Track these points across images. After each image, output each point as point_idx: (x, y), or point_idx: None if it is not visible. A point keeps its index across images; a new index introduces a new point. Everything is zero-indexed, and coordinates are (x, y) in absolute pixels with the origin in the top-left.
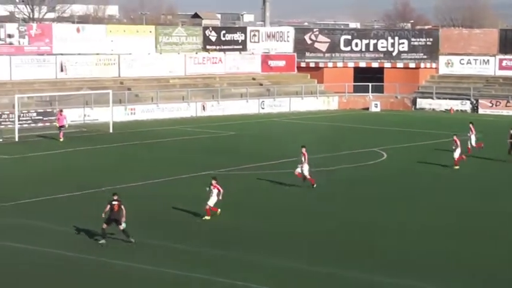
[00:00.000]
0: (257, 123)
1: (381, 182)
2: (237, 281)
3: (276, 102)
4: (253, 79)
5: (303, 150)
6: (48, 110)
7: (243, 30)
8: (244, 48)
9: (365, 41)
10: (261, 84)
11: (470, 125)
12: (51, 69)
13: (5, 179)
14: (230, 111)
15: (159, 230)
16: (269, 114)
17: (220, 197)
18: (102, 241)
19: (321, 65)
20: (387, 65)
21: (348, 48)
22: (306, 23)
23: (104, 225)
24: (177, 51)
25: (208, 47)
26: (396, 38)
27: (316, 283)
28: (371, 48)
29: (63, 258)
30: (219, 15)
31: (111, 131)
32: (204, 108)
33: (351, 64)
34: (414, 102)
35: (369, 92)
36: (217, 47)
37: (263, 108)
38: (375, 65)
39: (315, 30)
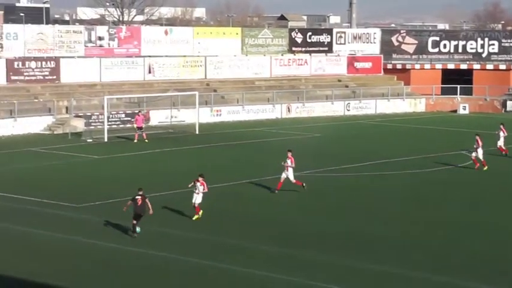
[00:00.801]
0: (342, 125)
1: (473, 184)
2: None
3: (362, 104)
4: (339, 81)
5: (289, 154)
6: (136, 111)
7: (329, 31)
8: (330, 50)
9: (454, 42)
10: (347, 86)
11: (501, 126)
12: (140, 71)
13: (94, 179)
14: (315, 113)
15: (248, 231)
16: (355, 116)
17: (200, 200)
18: (134, 235)
19: (408, 66)
20: (476, 66)
21: (436, 50)
22: (393, 25)
23: (134, 221)
24: (263, 53)
25: (294, 48)
26: (486, 39)
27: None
28: (460, 50)
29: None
30: (305, 17)
31: (197, 132)
32: (289, 110)
33: (439, 66)
34: (504, 104)
35: (457, 94)
36: (303, 49)
37: (348, 110)
38: (463, 66)
39: (402, 31)
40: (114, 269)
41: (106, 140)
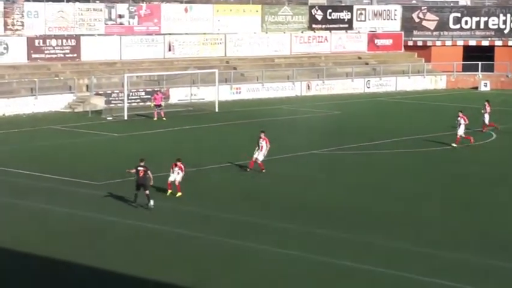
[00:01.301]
0: (362, 102)
1: (489, 162)
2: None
3: (382, 82)
4: (359, 58)
5: (262, 135)
6: (156, 89)
7: (349, 8)
8: (350, 27)
9: (475, 19)
10: (367, 63)
11: (486, 103)
12: (160, 49)
13: (114, 157)
14: (335, 90)
15: (267, 210)
16: (375, 94)
17: (180, 179)
18: (133, 204)
19: (428, 43)
20: (498, 43)
21: (457, 26)
22: (413, 1)
23: (136, 191)
24: (283, 31)
25: (314, 26)
26: (508, 15)
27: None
28: (481, 26)
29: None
30: None
31: (216, 110)
32: (309, 88)
33: (460, 42)
34: None
35: (478, 71)
36: (323, 26)
37: (369, 88)
38: (485, 43)
39: (423, 8)
40: (133, 246)
41: (126, 118)
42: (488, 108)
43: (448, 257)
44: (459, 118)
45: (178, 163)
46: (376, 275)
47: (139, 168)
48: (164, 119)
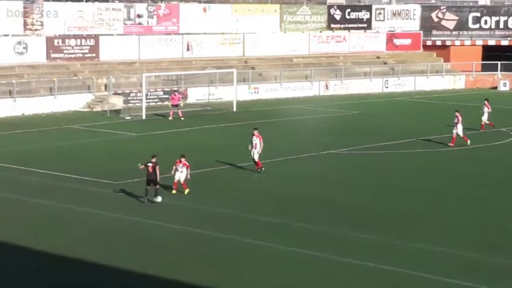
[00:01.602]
0: (381, 102)
1: (507, 162)
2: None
3: (401, 81)
4: (378, 58)
5: (255, 132)
6: (174, 89)
7: (368, 8)
8: (369, 27)
9: (495, 18)
10: (386, 63)
11: (486, 102)
12: (178, 49)
13: (132, 156)
14: (353, 90)
15: (286, 210)
16: (393, 93)
17: (189, 176)
18: (142, 199)
19: (447, 43)
20: None
21: (477, 26)
22: (433, 1)
23: (147, 186)
24: (301, 30)
25: (332, 25)
26: None
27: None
28: (501, 26)
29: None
30: None
31: (234, 109)
32: (327, 87)
33: (479, 42)
34: None
35: (497, 71)
36: (342, 26)
37: (387, 87)
38: (504, 43)
39: (442, 7)
40: (151, 245)
41: (144, 117)
42: (487, 108)
43: (467, 257)
44: (457, 117)
45: (183, 159)
46: (394, 275)
47: (148, 164)
48: (182, 118)
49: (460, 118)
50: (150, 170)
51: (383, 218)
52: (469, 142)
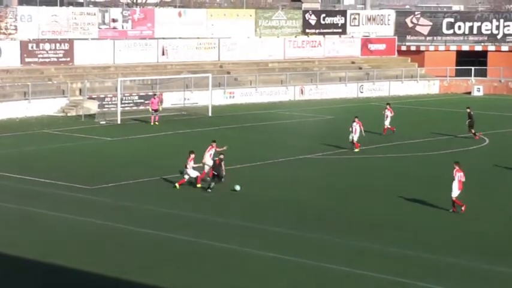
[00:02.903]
0: (355, 107)
1: (483, 167)
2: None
3: (375, 86)
4: (353, 63)
5: (213, 144)
6: (149, 94)
7: (343, 13)
8: (344, 32)
9: (468, 24)
10: (360, 68)
11: (388, 106)
12: (153, 53)
13: (107, 161)
14: (328, 95)
15: (261, 214)
16: (368, 98)
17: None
18: (210, 186)
19: (422, 48)
20: (491, 48)
21: (451, 31)
22: (407, 6)
23: (212, 179)
24: (277, 35)
25: (307, 30)
26: (501, 21)
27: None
28: (474, 31)
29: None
30: None
31: (210, 114)
32: (302, 92)
33: (453, 47)
34: None
35: (471, 76)
36: (317, 31)
37: (362, 92)
38: (478, 48)
39: (416, 13)
40: (126, 250)
41: (119, 122)
42: (388, 112)
43: (444, 262)
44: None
45: (192, 155)
46: (366, 279)
47: (216, 158)
48: (157, 123)
49: (355, 127)
50: (218, 162)
51: (357, 222)
52: (357, 150)
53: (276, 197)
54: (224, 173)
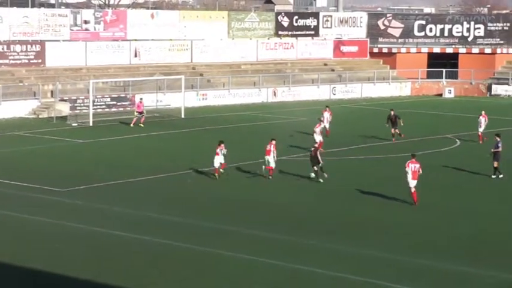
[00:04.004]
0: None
1: (453, 168)
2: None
3: (348, 88)
4: (325, 65)
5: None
6: (122, 95)
7: (315, 15)
8: (316, 34)
9: (440, 26)
10: (333, 70)
11: (327, 108)
12: (125, 55)
13: (79, 163)
14: (301, 97)
15: (228, 214)
16: (340, 100)
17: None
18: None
19: (394, 50)
20: (462, 50)
21: (422, 34)
22: (379, 8)
23: (314, 167)
24: (249, 37)
25: (280, 32)
26: (472, 23)
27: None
28: (446, 34)
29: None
30: (291, 0)
31: (183, 116)
32: (275, 94)
33: (425, 50)
34: (489, 88)
35: (442, 78)
36: (290, 33)
37: (334, 94)
38: (449, 50)
39: (388, 15)
40: (98, 253)
41: (91, 124)
42: (327, 115)
43: (418, 264)
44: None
45: (222, 145)
46: (344, 282)
47: (311, 148)
48: (132, 125)
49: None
50: (313, 153)
51: (330, 224)
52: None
53: (251, 199)
54: (321, 162)
